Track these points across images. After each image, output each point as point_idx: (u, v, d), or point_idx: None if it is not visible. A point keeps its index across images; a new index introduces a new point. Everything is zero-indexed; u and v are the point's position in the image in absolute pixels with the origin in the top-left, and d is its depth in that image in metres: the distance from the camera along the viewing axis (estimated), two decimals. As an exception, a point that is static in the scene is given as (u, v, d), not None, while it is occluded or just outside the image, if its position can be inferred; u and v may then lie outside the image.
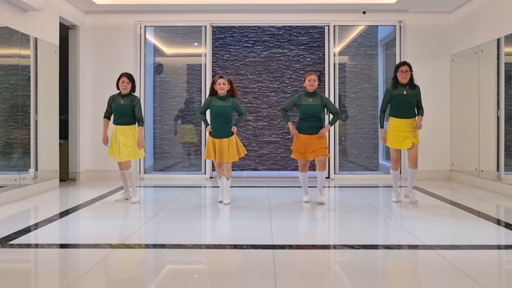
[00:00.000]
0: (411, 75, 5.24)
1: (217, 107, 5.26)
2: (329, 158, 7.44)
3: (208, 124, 5.36)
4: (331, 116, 5.49)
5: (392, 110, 5.29)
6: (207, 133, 5.41)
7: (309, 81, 5.25)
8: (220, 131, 5.27)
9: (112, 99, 5.43)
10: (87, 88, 7.64)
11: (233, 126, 5.32)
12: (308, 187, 5.58)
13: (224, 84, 5.26)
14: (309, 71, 5.52)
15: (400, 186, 5.73)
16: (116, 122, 5.36)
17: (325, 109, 5.42)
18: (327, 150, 5.34)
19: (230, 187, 5.52)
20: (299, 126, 5.36)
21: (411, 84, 5.25)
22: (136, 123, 5.42)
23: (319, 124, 5.31)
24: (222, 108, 5.26)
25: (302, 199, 5.56)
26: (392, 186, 5.56)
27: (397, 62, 7.65)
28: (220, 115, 5.25)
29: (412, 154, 5.28)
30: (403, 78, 5.20)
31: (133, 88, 5.43)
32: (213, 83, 5.34)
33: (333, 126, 7.02)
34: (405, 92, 5.22)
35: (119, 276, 3.10)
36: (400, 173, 5.90)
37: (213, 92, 5.34)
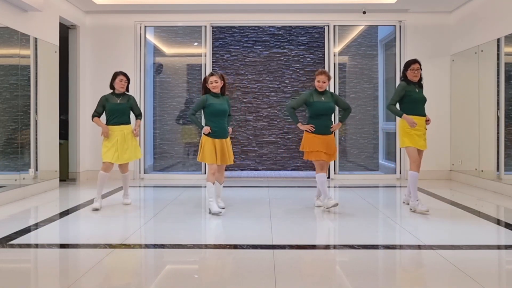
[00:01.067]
0: (421, 74, 5.05)
1: (216, 105, 4.90)
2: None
3: (203, 126, 4.96)
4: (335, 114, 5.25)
5: (407, 108, 4.97)
6: (203, 134, 4.96)
7: (319, 81, 4.98)
8: (223, 131, 4.94)
9: (105, 99, 5.18)
10: (87, 88, 7.63)
11: (229, 128, 5.09)
12: (303, 186, 5.50)
13: (217, 82, 4.91)
14: (320, 70, 5.08)
15: (402, 186, 5.70)
16: (113, 123, 5.16)
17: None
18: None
19: (230, 187, 5.49)
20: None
21: (420, 83, 5.08)
22: (135, 118, 5.35)
23: (331, 123, 5.07)
24: (221, 106, 4.93)
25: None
26: (391, 188, 5.54)
27: (397, 62, 7.67)
28: (220, 114, 4.92)
29: (420, 157, 5.04)
30: (414, 76, 4.98)
31: (127, 87, 5.32)
32: (205, 81, 5.01)
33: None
34: (416, 90, 5.02)
35: (119, 276, 3.10)
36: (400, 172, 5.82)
37: (206, 90, 5.01)
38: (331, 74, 7.68)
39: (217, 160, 4.89)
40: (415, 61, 5.04)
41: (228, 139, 5.04)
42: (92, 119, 5.25)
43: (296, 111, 5.17)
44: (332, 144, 5.04)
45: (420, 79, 5.07)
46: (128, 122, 5.27)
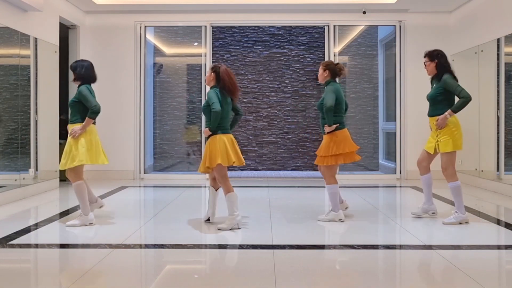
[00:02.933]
0: (436, 67, 4.39)
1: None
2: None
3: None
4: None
5: None
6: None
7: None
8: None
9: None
10: (87, 88, 7.62)
11: (206, 128, 4.18)
12: (303, 186, 5.49)
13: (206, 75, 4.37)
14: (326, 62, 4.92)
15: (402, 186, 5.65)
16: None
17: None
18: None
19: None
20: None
21: (438, 77, 4.40)
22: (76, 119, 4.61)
23: (324, 122, 4.52)
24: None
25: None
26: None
27: (397, 62, 7.67)
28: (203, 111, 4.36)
29: (441, 163, 4.39)
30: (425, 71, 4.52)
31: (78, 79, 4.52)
32: None
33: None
34: (431, 87, 4.49)
35: (119, 276, 3.10)
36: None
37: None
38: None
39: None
40: (425, 55, 4.51)
41: (208, 142, 4.22)
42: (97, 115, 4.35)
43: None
44: (323, 145, 4.50)
45: (438, 73, 4.39)
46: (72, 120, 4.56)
